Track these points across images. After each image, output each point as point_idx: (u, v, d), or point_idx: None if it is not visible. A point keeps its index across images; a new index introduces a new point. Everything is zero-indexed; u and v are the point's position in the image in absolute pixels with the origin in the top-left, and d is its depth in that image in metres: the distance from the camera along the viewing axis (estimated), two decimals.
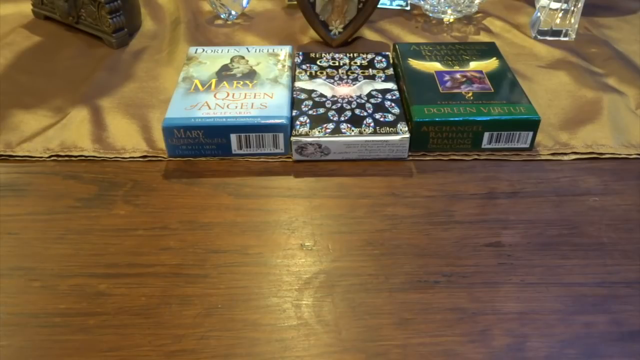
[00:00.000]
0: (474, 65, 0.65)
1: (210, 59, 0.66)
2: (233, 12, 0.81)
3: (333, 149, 0.57)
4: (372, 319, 0.43)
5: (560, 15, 0.76)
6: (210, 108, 0.58)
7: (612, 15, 0.84)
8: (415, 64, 0.65)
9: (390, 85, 0.63)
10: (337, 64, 0.67)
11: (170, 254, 0.48)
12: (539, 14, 0.77)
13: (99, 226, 0.50)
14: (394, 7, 0.86)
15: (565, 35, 0.77)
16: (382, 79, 0.64)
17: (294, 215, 0.52)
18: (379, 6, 0.77)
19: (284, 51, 0.68)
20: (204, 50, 0.68)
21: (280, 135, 0.57)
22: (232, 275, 0.46)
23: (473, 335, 0.42)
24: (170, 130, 0.56)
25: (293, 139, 0.56)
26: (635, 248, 0.49)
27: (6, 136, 0.60)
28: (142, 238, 0.49)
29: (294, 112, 0.59)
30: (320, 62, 0.67)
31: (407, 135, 0.56)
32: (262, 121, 0.56)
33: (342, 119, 0.58)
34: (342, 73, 0.65)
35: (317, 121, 0.58)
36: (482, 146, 0.58)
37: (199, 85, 0.61)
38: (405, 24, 0.81)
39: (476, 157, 0.58)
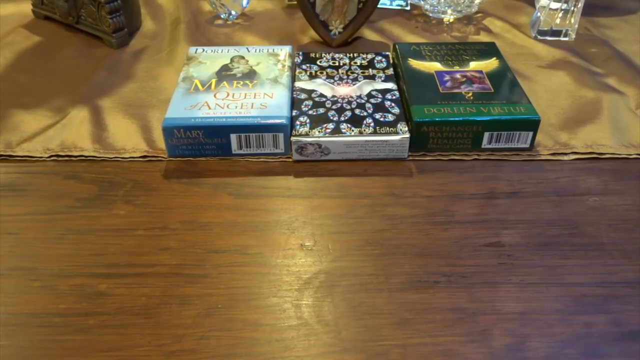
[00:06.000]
0: (474, 65, 0.65)
1: (210, 59, 0.66)
2: (233, 12, 0.81)
3: (333, 149, 0.57)
4: (372, 319, 0.43)
5: (560, 15, 0.76)
6: (210, 108, 0.58)
7: (612, 15, 0.84)
8: (415, 64, 0.65)
9: (390, 85, 0.63)
10: (337, 64, 0.67)
11: (170, 254, 0.48)
12: (539, 14, 0.77)
13: (99, 226, 0.50)
14: (394, 7, 0.86)
15: (565, 35, 0.77)
16: (382, 79, 0.64)
17: (294, 215, 0.52)
18: (379, 6, 0.77)
19: (284, 51, 0.68)
20: (204, 50, 0.68)
21: (280, 135, 0.57)
22: (232, 275, 0.46)
23: (473, 335, 0.42)
24: (170, 130, 0.56)
25: (293, 139, 0.56)
26: (635, 248, 0.49)
27: (6, 136, 0.60)
28: (142, 238, 0.49)
29: (294, 112, 0.59)
30: (320, 62, 0.67)
31: (407, 135, 0.56)
32: (262, 121, 0.56)
33: (342, 119, 0.58)
34: (342, 73, 0.65)
35: (317, 121, 0.58)
36: (482, 146, 0.58)
37: (199, 85, 0.61)
38: (405, 24, 0.81)
39: (476, 157, 0.58)
